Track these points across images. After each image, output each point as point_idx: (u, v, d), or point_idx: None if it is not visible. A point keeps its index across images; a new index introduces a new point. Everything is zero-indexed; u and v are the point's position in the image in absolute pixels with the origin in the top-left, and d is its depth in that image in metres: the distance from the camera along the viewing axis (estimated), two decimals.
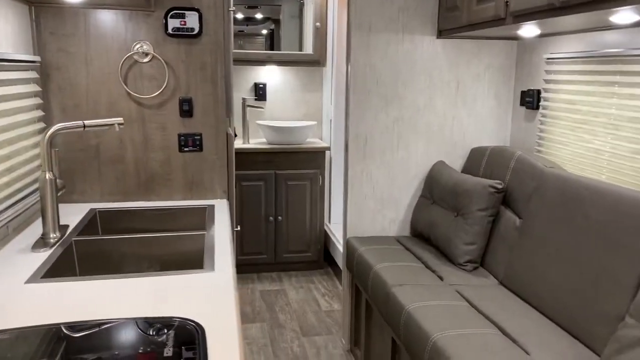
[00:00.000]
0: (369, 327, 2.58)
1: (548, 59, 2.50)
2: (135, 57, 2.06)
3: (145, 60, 2.07)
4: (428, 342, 1.76)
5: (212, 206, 2.07)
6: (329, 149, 3.99)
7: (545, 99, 2.54)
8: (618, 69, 2.07)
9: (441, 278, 2.28)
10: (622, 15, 1.72)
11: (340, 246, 3.78)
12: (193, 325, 1.11)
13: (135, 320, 1.13)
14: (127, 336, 1.08)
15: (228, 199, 2.22)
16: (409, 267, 2.37)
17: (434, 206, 2.66)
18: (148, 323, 1.13)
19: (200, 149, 2.15)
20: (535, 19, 1.94)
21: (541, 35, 2.55)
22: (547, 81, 2.53)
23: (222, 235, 1.72)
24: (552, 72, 2.49)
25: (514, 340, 1.74)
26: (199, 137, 2.13)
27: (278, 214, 3.95)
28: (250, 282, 3.86)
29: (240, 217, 3.90)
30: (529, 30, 2.29)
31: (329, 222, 4.31)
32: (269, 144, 3.97)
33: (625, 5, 1.52)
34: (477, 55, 2.79)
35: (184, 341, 1.06)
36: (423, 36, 2.73)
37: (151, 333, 1.09)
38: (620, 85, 2.07)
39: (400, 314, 2.01)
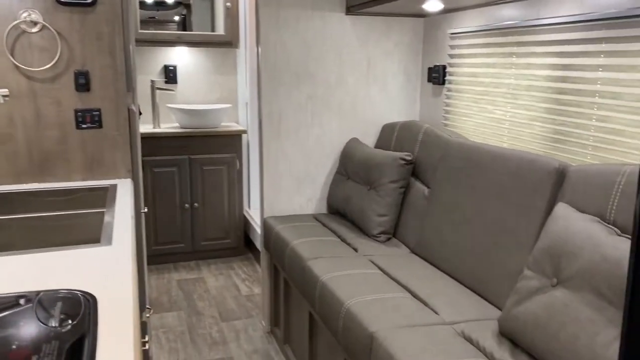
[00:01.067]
0: (288, 307, 2.57)
1: (452, 34, 2.58)
2: (23, 26, 1.90)
3: (34, 30, 1.92)
4: (342, 309, 1.77)
5: (115, 186, 1.96)
6: (245, 132, 3.92)
7: (450, 74, 2.62)
8: (515, 40, 2.16)
9: (356, 250, 2.30)
10: None
11: (260, 231, 3.74)
12: (83, 296, 1.03)
13: (21, 295, 1.04)
14: (11, 310, 0.98)
15: (133, 179, 2.11)
16: (324, 242, 2.37)
17: (348, 182, 2.67)
18: (34, 296, 1.04)
19: (100, 126, 2.02)
20: None
21: (445, 11, 2.62)
22: (451, 56, 2.61)
23: (123, 213, 1.63)
24: (456, 47, 2.57)
25: (424, 302, 1.78)
26: (97, 112, 2.01)
27: (194, 201, 3.84)
28: (167, 272, 3.73)
29: (153, 205, 3.75)
30: (432, 4, 2.34)
31: (249, 207, 4.25)
32: (182, 128, 3.85)
33: None
34: (386, 33, 2.83)
35: (73, 312, 0.98)
36: (332, 13, 2.73)
37: (38, 306, 1.00)
38: (518, 55, 2.16)
39: (315, 286, 2.00)
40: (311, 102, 2.78)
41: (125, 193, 1.87)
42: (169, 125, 4.01)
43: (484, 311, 1.72)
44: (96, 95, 2.01)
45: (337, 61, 2.79)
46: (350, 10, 2.72)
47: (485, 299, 1.82)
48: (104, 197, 1.87)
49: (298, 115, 2.77)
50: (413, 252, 2.30)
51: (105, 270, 1.19)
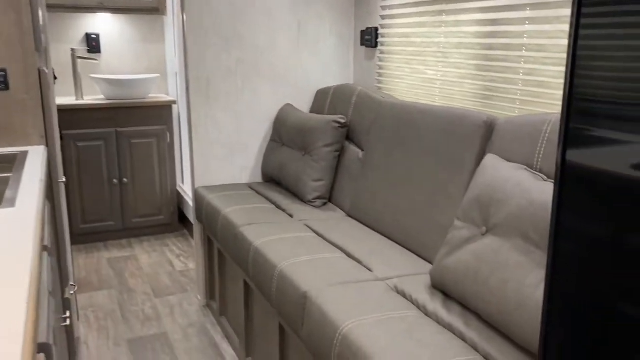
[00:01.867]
0: (223, 278, 2.49)
1: None
2: None
3: None
4: (275, 272, 1.71)
5: (25, 152, 1.81)
6: (175, 102, 3.76)
7: (383, 36, 2.59)
8: None
9: (291, 215, 2.25)
10: None
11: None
12: None
13: None
14: None
15: (47, 146, 1.96)
16: (258, 209, 2.30)
17: (283, 148, 2.61)
18: None
19: (6, 87, 1.85)
20: None
21: None
22: (383, 17, 2.57)
23: (32, 178, 1.49)
24: (387, 8, 2.53)
25: (358, 261, 1.76)
26: (2, 73, 1.83)
27: (123, 176, 3.66)
28: (96, 251, 3.56)
29: (79, 181, 3.54)
30: None
31: (182, 182, 4.11)
32: (107, 99, 3.64)
33: None
34: None
35: None
36: None
37: None
38: (447, 13, 2.15)
39: (249, 252, 1.93)
40: (241, 67, 2.68)
41: (37, 160, 1.73)
42: (93, 97, 3.78)
43: (417, 266, 1.72)
44: (0, 54, 1.84)
45: (267, 24, 2.69)
46: None
47: (419, 256, 1.81)
48: (12, 164, 1.72)
49: (228, 80, 2.66)
50: (349, 215, 2.27)
51: (4, 230, 1.07)
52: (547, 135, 1.47)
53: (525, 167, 1.45)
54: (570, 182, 0.83)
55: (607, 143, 0.77)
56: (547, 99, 1.72)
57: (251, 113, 2.73)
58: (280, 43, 2.73)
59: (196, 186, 2.70)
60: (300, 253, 1.78)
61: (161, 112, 3.70)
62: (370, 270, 1.69)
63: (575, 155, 0.81)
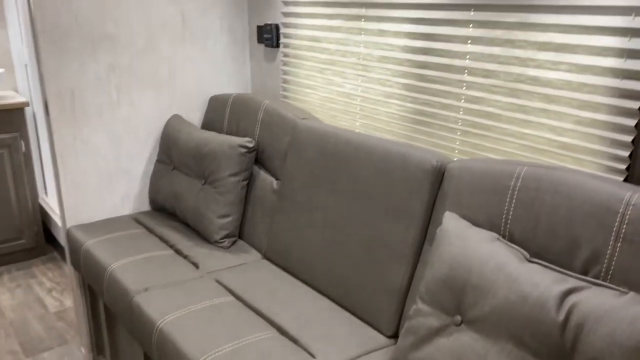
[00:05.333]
0: (113, 332, 2.06)
1: None
2: None
3: None
4: None
5: None
6: (28, 104, 3.08)
7: (286, 36, 2.22)
8: (362, 0, 1.83)
9: (196, 265, 1.87)
10: None
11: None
12: None
13: None
14: None
15: None
16: (154, 259, 1.89)
17: (175, 173, 2.18)
18: None
19: None
20: None
21: None
22: (285, 14, 2.20)
23: None
24: (291, 3, 2.16)
25: (294, 341, 1.46)
26: None
27: None
28: None
29: None
30: None
31: (45, 194, 3.47)
32: None
33: None
34: None
35: None
36: None
37: None
38: (367, 19, 1.84)
39: (152, 333, 1.54)
40: (115, 74, 2.17)
41: None
42: None
43: (366, 340, 1.45)
44: None
45: (144, 19, 2.19)
46: None
47: (363, 320, 1.55)
48: None
49: (99, 92, 2.15)
50: (265, 257, 1.94)
51: None
52: (515, 192, 1.25)
53: (498, 236, 1.22)
54: None
55: None
56: (497, 133, 1.51)
57: (131, 130, 2.25)
58: (162, 42, 2.26)
59: (68, 226, 2.19)
60: (220, 339, 1.43)
61: (11, 117, 3.02)
62: (312, 355, 1.39)
63: None
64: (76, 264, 2.12)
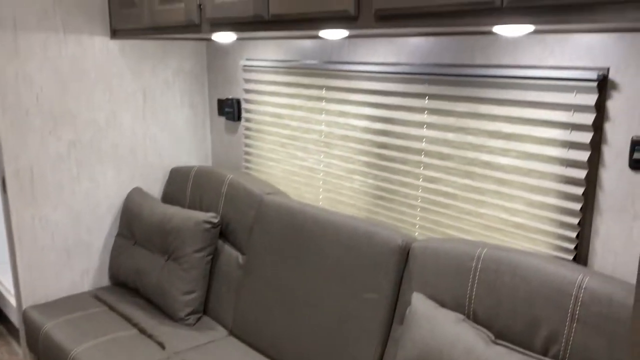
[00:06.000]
0: None
1: (245, 66, 2.24)
2: None
3: None
4: None
5: None
6: None
7: (248, 111, 2.29)
8: (324, 84, 1.93)
9: (162, 345, 1.85)
10: (333, 32, 1.53)
11: (12, 289, 2.91)
12: None
13: None
14: None
15: None
16: (118, 340, 1.85)
17: (137, 248, 2.16)
18: None
19: None
20: (238, 30, 1.62)
21: (236, 39, 2.27)
22: (247, 91, 2.28)
23: None
24: (252, 81, 2.24)
25: None
26: None
27: None
28: None
29: None
30: (224, 36, 1.97)
31: None
32: None
33: (338, 27, 1.32)
34: (163, 59, 2.35)
35: None
36: (93, 36, 2.15)
37: None
38: (328, 101, 1.94)
39: None
40: (76, 150, 2.17)
41: None
42: None
43: None
44: None
45: (106, 96, 2.22)
46: (117, 34, 2.17)
47: None
48: None
49: (59, 169, 2.14)
50: (232, 333, 1.94)
51: None
52: (477, 273, 1.34)
53: (463, 317, 1.29)
54: None
55: None
56: (455, 211, 1.61)
57: (91, 204, 2.24)
58: (124, 117, 2.28)
59: (24, 306, 2.12)
60: None
61: None
62: None
63: None
64: (33, 347, 2.04)
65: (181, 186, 2.30)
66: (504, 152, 1.46)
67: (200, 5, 1.70)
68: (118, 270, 2.22)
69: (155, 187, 2.41)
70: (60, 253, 2.18)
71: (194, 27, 1.76)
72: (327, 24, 1.35)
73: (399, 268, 1.51)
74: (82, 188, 2.20)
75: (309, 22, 1.40)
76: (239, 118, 2.36)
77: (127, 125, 2.29)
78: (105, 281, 2.32)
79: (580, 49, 1.29)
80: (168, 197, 2.36)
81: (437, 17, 1.13)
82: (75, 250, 2.22)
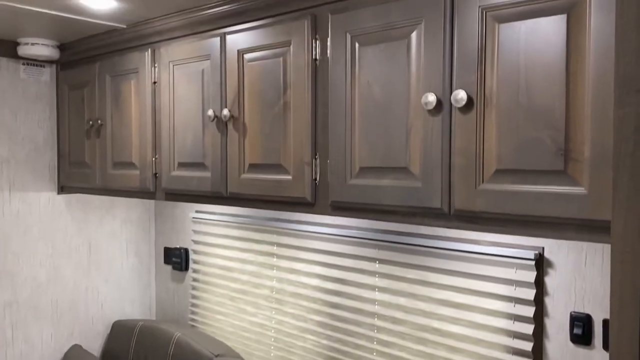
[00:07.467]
0: None
1: (195, 217, 2.27)
2: None
3: None
4: None
5: None
6: None
7: (196, 262, 2.28)
8: (274, 240, 1.98)
9: None
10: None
11: None
12: None
13: None
14: None
15: None
16: None
17: None
18: None
19: None
20: (194, 202, 1.66)
21: None
22: (196, 241, 2.28)
23: None
24: (201, 233, 2.26)
25: None
26: None
27: None
28: None
29: None
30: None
31: None
32: None
33: (296, 211, 1.40)
34: (110, 211, 2.34)
35: None
36: (39, 193, 2.13)
37: None
38: (279, 257, 1.97)
39: None
40: (11, 311, 2.06)
41: None
42: None
43: None
44: None
45: (48, 252, 2.16)
46: (64, 190, 2.16)
47: None
48: None
49: None
50: None
51: None
52: None
53: None
54: None
55: None
56: None
57: None
58: (66, 271, 2.21)
59: None
60: None
61: None
62: None
63: None
64: None
65: (124, 343, 2.19)
66: (454, 321, 1.52)
67: (156, 174, 1.74)
68: None
69: (95, 343, 2.29)
70: None
71: (149, 194, 1.79)
72: (285, 207, 1.42)
73: None
74: (16, 351, 2.06)
75: (268, 203, 1.46)
76: (186, 268, 2.33)
77: (69, 278, 2.21)
78: None
79: None
80: (109, 354, 2.24)
81: (388, 214, 1.22)
82: None
